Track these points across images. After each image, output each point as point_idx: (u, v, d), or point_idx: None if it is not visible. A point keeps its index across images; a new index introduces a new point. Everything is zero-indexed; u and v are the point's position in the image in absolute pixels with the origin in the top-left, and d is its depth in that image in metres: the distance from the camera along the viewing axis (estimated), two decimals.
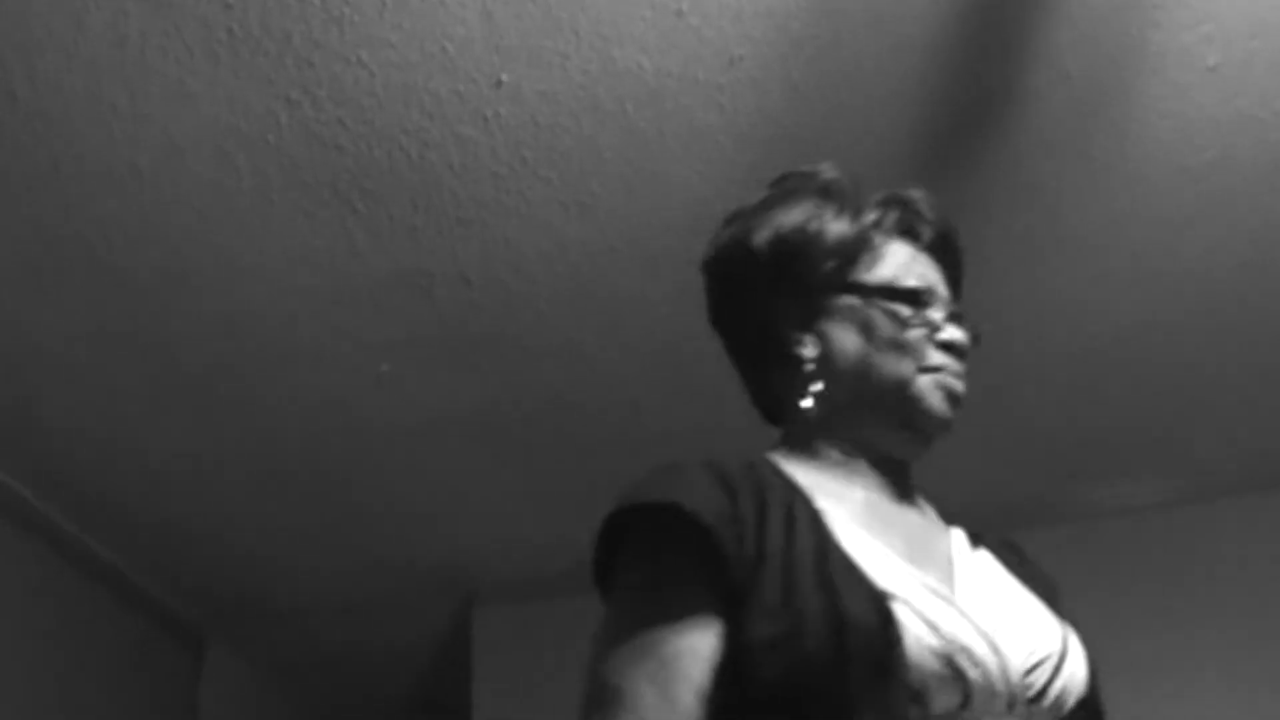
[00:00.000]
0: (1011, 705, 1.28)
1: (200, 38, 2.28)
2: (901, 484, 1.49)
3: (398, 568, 3.92)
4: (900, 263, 1.50)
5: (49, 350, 2.96)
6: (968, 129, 2.52)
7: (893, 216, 1.52)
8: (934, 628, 1.26)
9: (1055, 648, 1.35)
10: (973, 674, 1.25)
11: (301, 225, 2.67)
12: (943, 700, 1.24)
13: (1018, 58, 2.39)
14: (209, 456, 3.36)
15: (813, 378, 1.47)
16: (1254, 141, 2.58)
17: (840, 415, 1.47)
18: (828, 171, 1.54)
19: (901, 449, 1.49)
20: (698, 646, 1.28)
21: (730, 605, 1.28)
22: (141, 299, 2.83)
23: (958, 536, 1.48)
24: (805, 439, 1.49)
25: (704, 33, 2.31)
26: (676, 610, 1.30)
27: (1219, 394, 3.31)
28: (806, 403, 1.46)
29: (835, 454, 1.47)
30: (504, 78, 2.38)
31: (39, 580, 3.52)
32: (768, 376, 1.54)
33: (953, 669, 1.25)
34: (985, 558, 1.47)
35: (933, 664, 1.24)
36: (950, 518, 1.53)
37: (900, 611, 1.25)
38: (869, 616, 1.24)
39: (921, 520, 1.48)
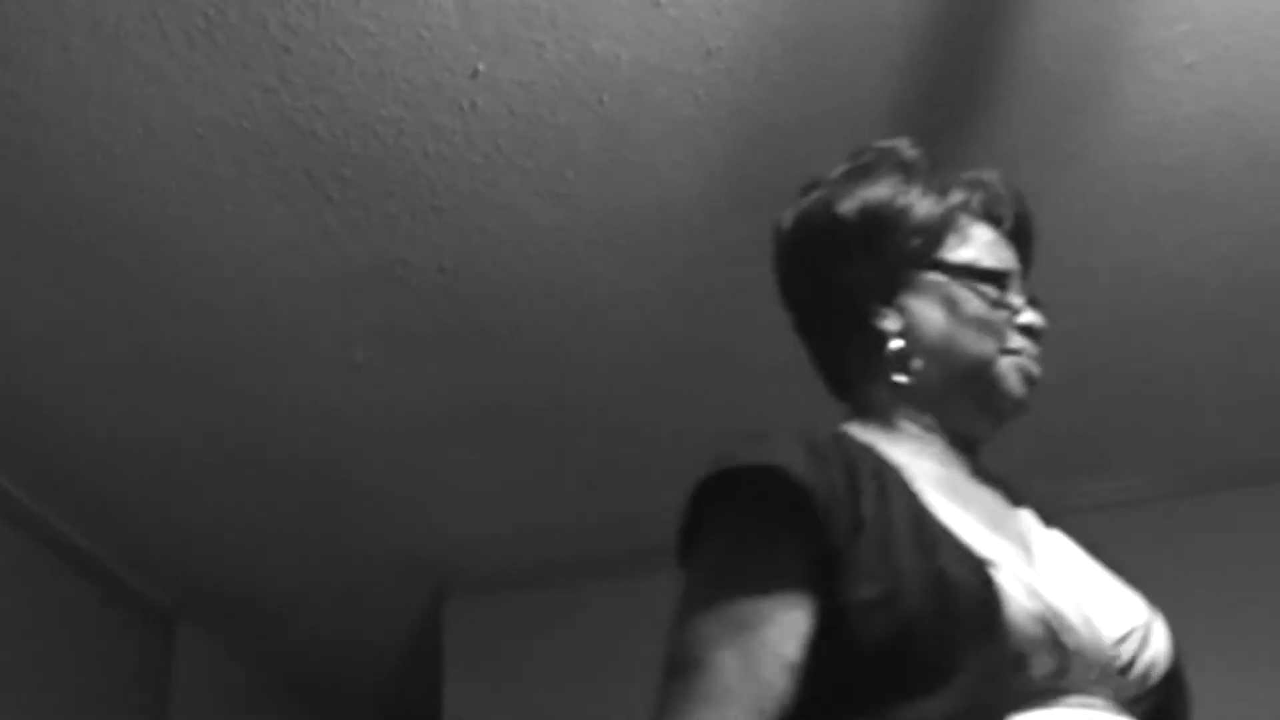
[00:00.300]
0: (1103, 676, 1.28)
1: (177, 23, 2.27)
2: (974, 462, 1.51)
3: (370, 557, 3.90)
4: (984, 244, 1.52)
5: (18, 333, 2.94)
6: (945, 123, 2.52)
7: (978, 198, 1.54)
8: (1033, 593, 1.25)
9: (1142, 619, 1.36)
10: (1069, 640, 1.24)
11: (278, 212, 2.66)
12: (1041, 666, 1.23)
13: (995, 53, 2.39)
14: (180, 442, 3.34)
15: (906, 353, 1.47)
16: (1231, 138, 2.59)
17: (921, 391, 1.47)
18: (907, 149, 1.55)
19: (976, 427, 1.51)
20: (791, 618, 1.26)
21: (824, 573, 1.26)
22: (115, 284, 2.81)
23: (1027, 516, 1.49)
24: (884, 412, 1.49)
25: (682, 24, 2.31)
26: (768, 580, 1.27)
27: (1199, 389, 3.31)
28: (901, 378, 1.47)
29: (914, 428, 1.48)
30: (481, 67, 2.37)
31: (9, 563, 3.50)
32: (841, 347, 1.54)
33: (1051, 635, 1.23)
34: (1059, 536, 1.48)
35: (1033, 629, 1.23)
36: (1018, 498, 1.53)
37: (1000, 576, 1.24)
38: (970, 580, 1.23)
39: (994, 498, 1.48)
